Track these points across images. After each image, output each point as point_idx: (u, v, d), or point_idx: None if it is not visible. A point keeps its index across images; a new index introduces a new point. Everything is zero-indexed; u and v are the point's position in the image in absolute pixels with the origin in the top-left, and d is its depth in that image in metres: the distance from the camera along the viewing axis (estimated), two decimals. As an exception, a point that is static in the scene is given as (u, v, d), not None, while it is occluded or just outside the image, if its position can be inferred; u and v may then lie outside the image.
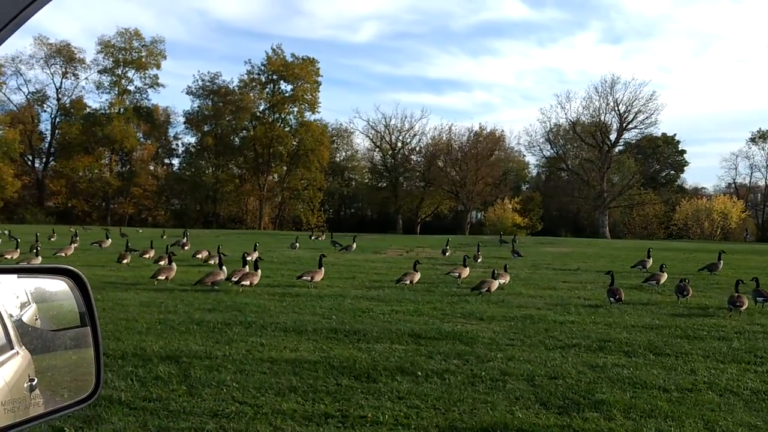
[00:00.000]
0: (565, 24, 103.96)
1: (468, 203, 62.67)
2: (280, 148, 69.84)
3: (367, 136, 71.69)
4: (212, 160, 70.46)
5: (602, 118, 63.60)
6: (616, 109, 62.30)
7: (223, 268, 12.60)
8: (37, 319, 1.55)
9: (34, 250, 15.82)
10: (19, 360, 1.42)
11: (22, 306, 1.51)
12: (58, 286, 1.61)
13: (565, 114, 68.31)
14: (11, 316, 1.44)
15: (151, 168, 74.41)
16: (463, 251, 25.31)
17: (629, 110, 62.25)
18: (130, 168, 70.27)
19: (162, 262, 14.85)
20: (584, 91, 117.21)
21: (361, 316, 10.02)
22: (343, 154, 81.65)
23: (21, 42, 64.50)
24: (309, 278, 12.73)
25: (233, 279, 12.28)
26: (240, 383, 6.34)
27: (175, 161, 77.13)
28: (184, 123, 73.20)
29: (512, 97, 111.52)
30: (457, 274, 14.16)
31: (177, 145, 76.61)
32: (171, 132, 76.38)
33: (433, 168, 65.29)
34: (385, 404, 5.84)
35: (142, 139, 71.56)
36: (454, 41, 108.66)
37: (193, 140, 73.73)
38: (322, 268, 13.25)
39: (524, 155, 79.84)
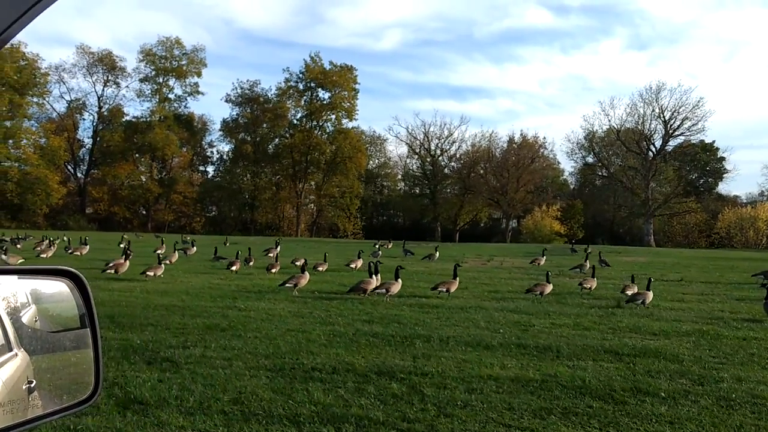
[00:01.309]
0: (589, 30, 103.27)
1: (509, 211, 61.94)
2: (318, 156, 69.89)
3: (406, 143, 71.40)
4: (250, 167, 70.70)
5: (647, 125, 62.52)
6: (662, 116, 61.22)
7: (373, 277, 12.29)
8: (36, 321, 1.53)
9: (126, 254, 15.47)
10: (18, 361, 1.41)
11: (22, 307, 1.49)
12: (58, 287, 1.59)
13: (609, 121, 66.80)
14: (11, 317, 1.42)
15: (185, 175, 74.94)
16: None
17: (675, 117, 61.16)
18: (169, 175, 70.78)
19: (274, 270, 14.53)
20: (628, 97, 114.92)
21: (527, 330, 9.61)
22: (376, 161, 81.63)
23: (65, 51, 65.48)
24: (445, 290, 12.37)
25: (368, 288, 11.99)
26: (490, 404, 5.97)
27: (210, 169, 77.80)
28: (220, 130, 73.84)
29: (536, 104, 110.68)
30: (589, 286, 13.75)
31: (211, 152, 77.27)
32: (205, 140, 77.12)
33: (473, 175, 64.73)
34: (663, 430, 5.45)
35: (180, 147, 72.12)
36: (477, 48, 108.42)
37: (227, 148, 74.26)
38: (457, 279, 12.87)
39: (559, 162, 78.99)
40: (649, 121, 62.20)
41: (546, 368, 7.26)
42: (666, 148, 66.90)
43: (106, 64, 68.22)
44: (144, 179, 68.36)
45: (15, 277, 1.52)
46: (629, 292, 12.94)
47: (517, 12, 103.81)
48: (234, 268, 16.12)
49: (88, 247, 22.58)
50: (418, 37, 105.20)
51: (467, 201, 66.03)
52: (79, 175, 71.52)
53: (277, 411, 5.67)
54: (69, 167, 69.97)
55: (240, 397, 6.00)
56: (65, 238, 28.31)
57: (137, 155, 69.40)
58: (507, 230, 61.80)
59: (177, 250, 20.39)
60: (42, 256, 20.07)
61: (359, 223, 72.97)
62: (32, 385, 1.42)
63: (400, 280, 12.36)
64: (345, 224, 70.70)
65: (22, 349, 1.42)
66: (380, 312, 10.85)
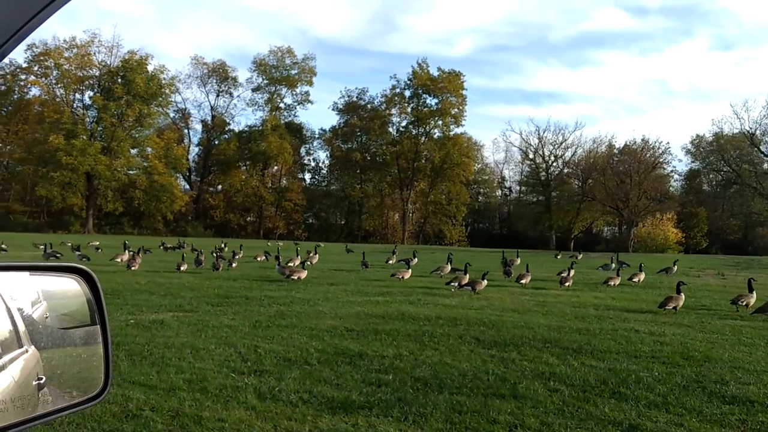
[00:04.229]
0: (669, 32, 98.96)
1: (632, 218, 59.41)
2: (424, 163, 69.47)
3: (520, 149, 69.97)
4: (358, 174, 71.02)
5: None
6: (804, 116, 57.20)
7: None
8: (47, 317, 1.53)
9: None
10: (28, 357, 1.41)
11: (33, 303, 1.49)
12: (69, 284, 1.60)
13: (741, 124, 62.57)
14: (22, 313, 1.42)
15: (291, 183, 75.88)
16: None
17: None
18: (279, 183, 71.89)
19: (567, 284, 13.74)
20: (763, 98, 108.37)
21: None
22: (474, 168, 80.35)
23: (180, 63, 67.13)
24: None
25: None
26: None
27: (306, 176, 78.54)
28: (322, 138, 74.57)
29: (614, 108, 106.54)
30: None
31: (308, 160, 77.98)
32: (303, 148, 77.85)
33: (590, 182, 62.54)
34: None
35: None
36: (552, 53, 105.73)
37: (323, 156, 74.73)
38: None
39: (675, 167, 75.39)
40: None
41: None
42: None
43: (219, 75, 70.10)
44: (262, 188, 69.27)
45: (27, 273, 1.53)
46: None
47: (593, 15, 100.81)
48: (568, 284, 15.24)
49: (318, 256, 22.64)
50: (492, 43, 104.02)
51: (584, 208, 63.87)
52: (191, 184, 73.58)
53: None
54: (186, 175, 72.21)
55: None
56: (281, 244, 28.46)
57: (240, 163, 70.60)
58: (630, 239, 59.22)
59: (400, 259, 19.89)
60: (289, 263, 20.09)
61: (463, 231, 72.01)
62: (42, 381, 1.41)
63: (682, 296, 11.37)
64: (451, 231, 69.92)
65: (33, 345, 1.41)
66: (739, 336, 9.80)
